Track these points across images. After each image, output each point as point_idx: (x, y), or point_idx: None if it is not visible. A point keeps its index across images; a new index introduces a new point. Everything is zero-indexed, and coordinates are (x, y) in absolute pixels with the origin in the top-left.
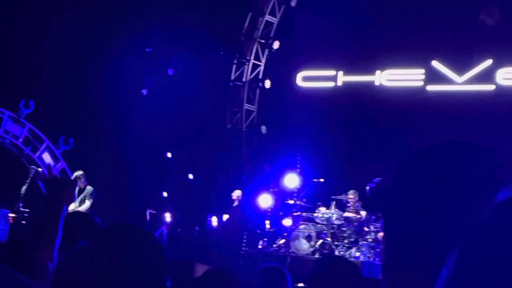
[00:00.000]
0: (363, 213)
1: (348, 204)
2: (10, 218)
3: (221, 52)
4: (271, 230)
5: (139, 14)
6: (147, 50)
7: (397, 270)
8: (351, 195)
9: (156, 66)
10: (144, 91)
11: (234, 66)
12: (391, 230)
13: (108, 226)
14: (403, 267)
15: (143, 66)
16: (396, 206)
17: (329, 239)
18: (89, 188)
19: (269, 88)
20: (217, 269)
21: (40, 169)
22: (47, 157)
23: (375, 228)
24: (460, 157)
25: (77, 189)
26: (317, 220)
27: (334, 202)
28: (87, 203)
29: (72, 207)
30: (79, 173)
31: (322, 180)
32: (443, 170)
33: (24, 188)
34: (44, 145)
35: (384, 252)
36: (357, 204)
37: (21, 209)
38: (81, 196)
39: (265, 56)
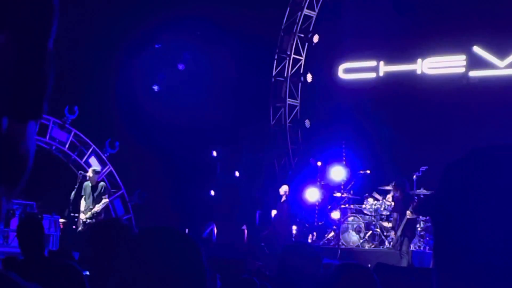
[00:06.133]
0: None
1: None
2: (60, 223)
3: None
4: (320, 223)
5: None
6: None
7: (448, 275)
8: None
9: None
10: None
11: (275, 61)
12: (440, 235)
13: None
14: (453, 272)
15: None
16: (444, 210)
17: (378, 230)
18: (102, 184)
19: (311, 82)
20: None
21: (88, 174)
22: (94, 162)
23: (424, 217)
24: (507, 160)
25: (89, 184)
26: (366, 212)
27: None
28: (104, 200)
29: (84, 205)
30: (96, 169)
31: (368, 171)
32: (489, 174)
33: (73, 193)
34: (90, 150)
35: (433, 257)
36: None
37: (71, 214)
38: (96, 193)
39: (305, 50)
